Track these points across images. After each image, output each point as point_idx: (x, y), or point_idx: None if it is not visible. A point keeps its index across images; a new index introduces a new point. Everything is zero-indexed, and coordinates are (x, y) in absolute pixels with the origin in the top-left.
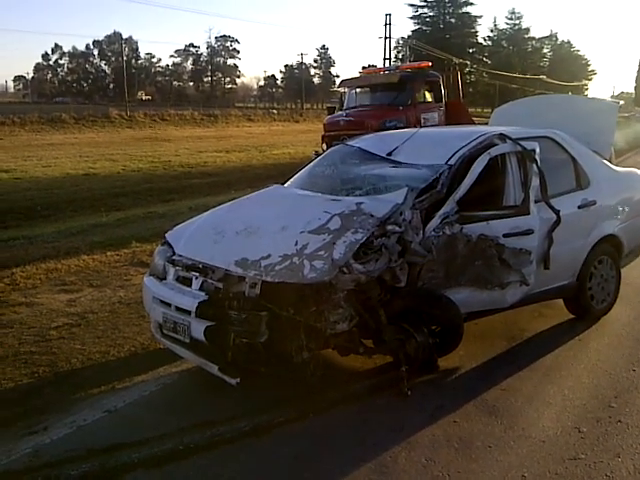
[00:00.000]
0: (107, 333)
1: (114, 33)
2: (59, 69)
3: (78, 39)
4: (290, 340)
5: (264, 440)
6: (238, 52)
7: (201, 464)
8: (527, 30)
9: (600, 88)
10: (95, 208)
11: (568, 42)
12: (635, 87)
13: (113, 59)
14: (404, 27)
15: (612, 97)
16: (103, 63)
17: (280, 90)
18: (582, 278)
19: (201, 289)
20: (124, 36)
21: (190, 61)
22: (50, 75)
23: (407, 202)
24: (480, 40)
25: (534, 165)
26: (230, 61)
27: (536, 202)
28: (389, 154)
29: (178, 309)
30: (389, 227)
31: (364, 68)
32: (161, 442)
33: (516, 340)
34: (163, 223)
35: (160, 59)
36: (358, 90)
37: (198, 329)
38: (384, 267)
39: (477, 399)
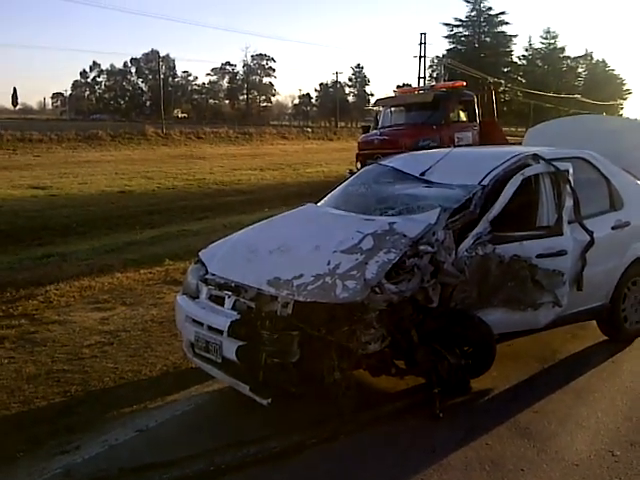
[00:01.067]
0: (139, 352)
1: (151, 51)
2: (97, 86)
3: (116, 57)
4: (322, 360)
5: (295, 461)
6: (274, 70)
7: None
8: (562, 49)
9: (636, 107)
10: (130, 226)
11: (603, 61)
12: None
13: (150, 77)
14: (439, 46)
15: None
16: (140, 81)
17: (314, 108)
18: (615, 299)
19: (233, 308)
20: (161, 54)
21: (226, 79)
22: (88, 92)
23: (440, 222)
24: (515, 59)
25: (567, 186)
26: (265, 79)
27: (569, 223)
28: (422, 174)
29: (210, 328)
30: (422, 247)
31: (398, 87)
32: (192, 462)
33: (549, 362)
34: (197, 241)
35: (197, 77)
36: (393, 109)
37: (230, 348)
38: (416, 287)
39: (510, 421)
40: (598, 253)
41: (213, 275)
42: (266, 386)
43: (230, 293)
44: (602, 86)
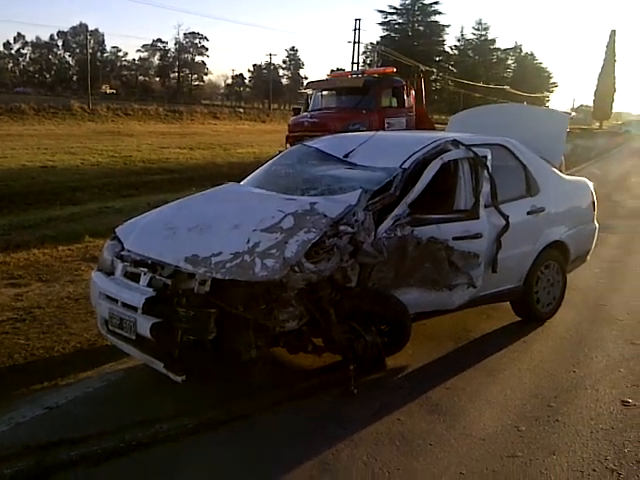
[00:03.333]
0: (53, 329)
1: (80, 25)
2: (21, 59)
3: (42, 29)
4: (239, 338)
5: (208, 438)
6: (206, 49)
7: (142, 461)
8: (493, 41)
9: (561, 100)
10: (51, 202)
11: (532, 54)
12: (594, 101)
13: (78, 51)
14: (373, 33)
15: (572, 109)
16: (67, 55)
17: (248, 89)
18: (529, 282)
19: (149, 285)
20: (90, 28)
21: (157, 56)
22: (11, 64)
23: (360, 203)
24: (447, 49)
25: (485, 171)
26: (198, 58)
27: (486, 207)
28: (346, 156)
29: (125, 305)
30: (342, 227)
31: (332, 71)
32: (101, 439)
33: (462, 341)
34: (119, 218)
35: (126, 53)
36: (324, 93)
37: (144, 326)
38: (335, 267)
39: (421, 398)
40: (513, 237)
41: (129, 252)
42: (181, 363)
43: (146, 270)
44: (530, 78)
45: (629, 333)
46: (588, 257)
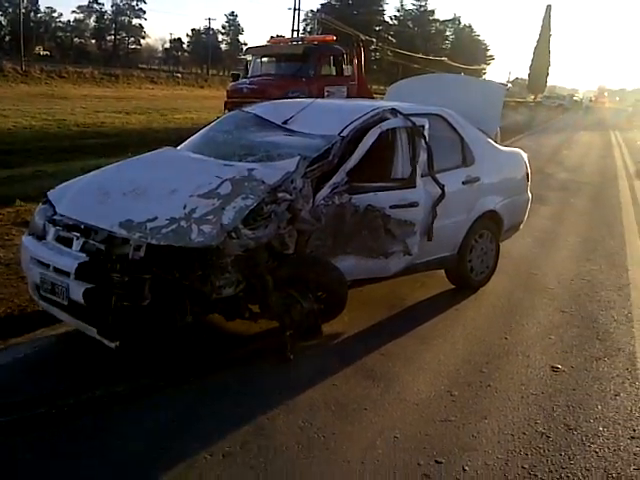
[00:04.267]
0: None
1: None
2: None
3: None
4: (174, 304)
5: (143, 404)
6: (144, 12)
7: (73, 428)
8: (432, 12)
9: (497, 73)
10: None
11: (469, 26)
12: (529, 74)
13: (10, 10)
14: (314, 0)
15: (508, 82)
16: None
17: (186, 54)
18: (463, 250)
19: (82, 250)
20: None
21: (93, 18)
22: None
23: (299, 170)
24: (387, 19)
25: (422, 140)
26: (135, 21)
27: (423, 176)
28: (285, 122)
29: (57, 270)
30: (280, 194)
31: (272, 38)
32: (32, 405)
33: (397, 308)
34: (52, 183)
35: (61, 14)
36: (263, 59)
37: (77, 291)
38: (273, 234)
39: (357, 364)
40: (448, 206)
41: (62, 216)
42: (115, 329)
43: (79, 235)
44: (468, 50)
45: (559, 301)
46: (521, 227)
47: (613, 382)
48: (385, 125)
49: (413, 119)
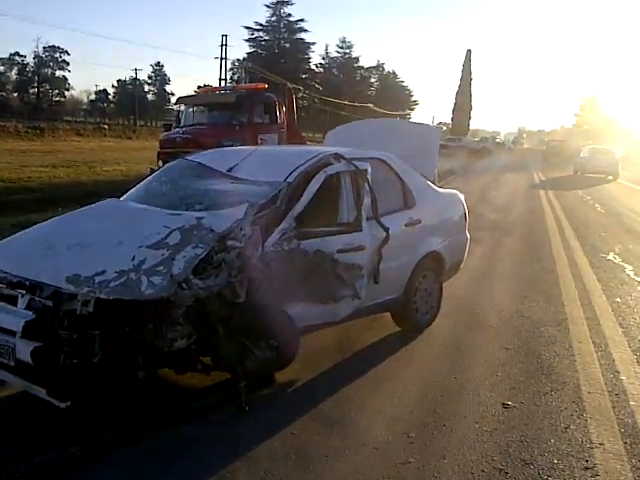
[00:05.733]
0: None
1: None
2: None
3: None
4: (125, 360)
5: (98, 465)
6: (68, 64)
7: None
8: (357, 59)
9: (421, 118)
10: None
11: (393, 73)
12: (452, 118)
13: None
14: (240, 49)
15: (440, 124)
16: None
17: (112, 105)
18: (408, 292)
19: (28, 308)
20: None
21: (15, 71)
22: None
23: (247, 217)
24: (313, 67)
25: (366, 184)
26: (59, 72)
27: (367, 220)
28: (229, 170)
29: (1, 330)
30: (229, 242)
31: (199, 87)
32: None
33: (347, 352)
34: None
35: None
36: (195, 108)
37: (24, 350)
38: (224, 282)
39: (313, 411)
40: (393, 248)
41: (5, 273)
42: (65, 389)
43: (24, 292)
44: (392, 96)
45: (502, 338)
46: (461, 266)
47: (562, 415)
48: (329, 170)
49: (356, 163)
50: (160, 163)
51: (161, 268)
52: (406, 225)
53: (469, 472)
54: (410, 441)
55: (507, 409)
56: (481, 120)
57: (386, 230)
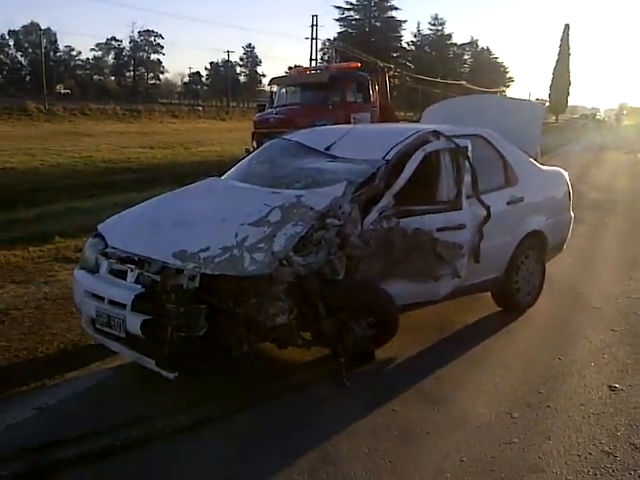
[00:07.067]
0: (34, 330)
1: (31, 24)
2: None
3: None
4: (229, 333)
5: (204, 434)
6: (162, 47)
7: (137, 460)
8: (449, 36)
9: (517, 94)
10: (12, 203)
11: (487, 49)
12: (549, 95)
13: (30, 50)
14: (331, 29)
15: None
16: (19, 54)
17: (205, 87)
18: (510, 272)
19: (137, 282)
20: (42, 27)
21: (112, 55)
22: None
23: (346, 196)
24: (404, 45)
25: (466, 162)
26: (153, 56)
27: (468, 198)
28: (327, 148)
29: (112, 302)
30: (329, 220)
31: (290, 68)
32: (96, 439)
33: (447, 332)
34: (87, 218)
35: (80, 52)
36: (288, 89)
37: (134, 323)
38: (323, 260)
39: (413, 388)
40: (494, 227)
41: (114, 248)
42: (172, 360)
43: (133, 267)
44: (486, 73)
45: (607, 320)
46: (564, 246)
47: None
48: (429, 147)
49: (456, 140)
50: (254, 144)
51: (263, 245)
52: (508, 203)
53: (575, 454)
54: (513, 421)
55: (614, 392)
56: (580, 96)
57: (487, 208)
